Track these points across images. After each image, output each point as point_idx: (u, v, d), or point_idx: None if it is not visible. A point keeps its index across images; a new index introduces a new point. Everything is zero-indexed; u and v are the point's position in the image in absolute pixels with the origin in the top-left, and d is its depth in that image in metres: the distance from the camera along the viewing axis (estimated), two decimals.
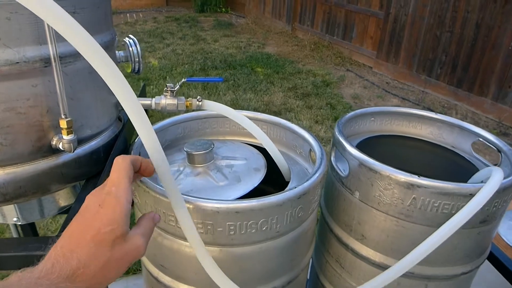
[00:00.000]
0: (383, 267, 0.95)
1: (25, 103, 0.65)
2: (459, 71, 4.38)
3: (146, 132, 0.55)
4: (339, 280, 1.08)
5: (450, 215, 0.84)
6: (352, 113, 1.20)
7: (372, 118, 1.26)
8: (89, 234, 0.45)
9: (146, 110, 1.15)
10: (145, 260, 0.89)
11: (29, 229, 1.40)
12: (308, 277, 1.36)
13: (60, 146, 0.70)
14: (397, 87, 4.95)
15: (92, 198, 0.49)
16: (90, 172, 0.81)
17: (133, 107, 0.52)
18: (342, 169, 1.01)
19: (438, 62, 4.61)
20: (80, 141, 0.75)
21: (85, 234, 0.46)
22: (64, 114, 0.67)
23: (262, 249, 0.77)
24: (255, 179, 0.89)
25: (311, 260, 1.28)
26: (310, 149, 1.00)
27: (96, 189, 0.51)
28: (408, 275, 0.92)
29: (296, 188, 0.76)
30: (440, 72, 4.61)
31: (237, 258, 0.77)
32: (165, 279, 0.84)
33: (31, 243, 0.64)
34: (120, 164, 0.52)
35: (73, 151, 0.69)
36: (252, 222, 0.72)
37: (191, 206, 0.70)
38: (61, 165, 0.74)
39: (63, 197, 0.90)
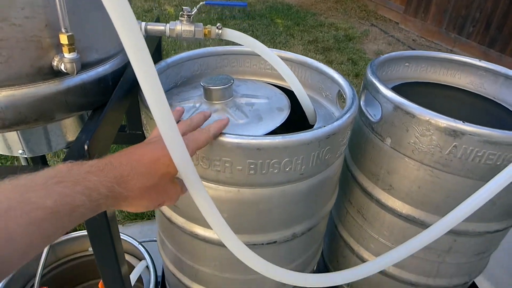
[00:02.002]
0: (410, 220, 0.88)
1: (20, 13, 0.56)
2: (493, 30, 4.07)
3: (144, 68, 0.45)
4: (359, 231, 1.02)
5: (494, 167, 0.75)
6: (386, 55, 1.08)
7: (407, 63, 1.15)
8: (149, 158, 0.49)
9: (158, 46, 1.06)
10: None
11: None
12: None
13: (62, 67, 0.62)
14: (423, 45, 4.67)
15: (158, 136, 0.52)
16: (97, 101, 0.74)
17: (130, 35, 0.42)
18: (373, 114, 0.91)
19: (471, 20, 4.29)
20: (85, 66, 0.68)
21: (146, 156, 0.50)
22: (64, 28, 0.58)
23: (284, 192, 0.71)
24: (278, 119, 0.80)
25: None
26: (339, 91, 0.90)
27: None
28: None
29: (326, 127, 0.67)
30: (472, 30, 4.31)
31: (256, 201, 0.71)
32: (178, 220, 0.79)
33: (25, 170, 0.59)
34: (207, 132, 0.58)
35: (76, 73, 0.62)
36: (275, 161, 0.65)
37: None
38: (65, 91, 0.67)
39: (71, 130, 0.84)
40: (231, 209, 0.72)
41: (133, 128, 0.92)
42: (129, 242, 1.32)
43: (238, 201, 0.70)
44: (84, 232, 1.37)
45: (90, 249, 1.40)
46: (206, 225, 0.77)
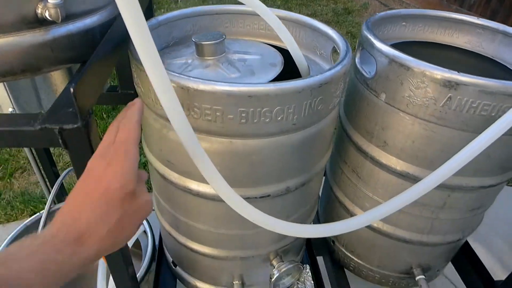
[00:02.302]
0: (404, 176, 0.88)
1: None
2: (494, 3, 3.99)
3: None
4: (354, 190, 1.03)
5: (488, 118, 0.74)
6: (382, 13, 1.06)
7: (404, 23, 1.12)
8: (97, 193, 0.43)
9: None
10: (151, 157, 0.84)
11: (44, 155, 1.38)
12: (320, 192, 1.33)
13: (47, 14, 0.60)
14: None
15: (97, 159, 0.47)
16: (84, 55, 0.72)
17: None
18: (368, 71, 0.90)
19: None
20: (72, 16, 0.66)
21: (93, 193, 0.43)
22: None
23: (276, 144, 0.70)
24: (271, 73, 0.79)
25: (325, 172, 1.23)
26: (333, 48, 0.89)
27: (98, 151, 0.49)
28: None
29: (318, 76, 0.66)
30: (473, 2, 4.22)
31: (248, 152, 0.70)
32: (173, 175, 0.79)
33: (20, 119, 0.58)
34: (129, 124, 0.50)
35: (61, 20, 0.60)
36: (266, 110, 0.64)
37: (198, 88, 0.62)
38: (51, 41, 0.65)
39: (61, 88, 0.83)
40: (224, 161, 0.71)
41: (125, 88, 0.90)
42: None
43: (230, 153, 0.70)
44: None
45: None
46: (200, 180, 0.77)
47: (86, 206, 0.43)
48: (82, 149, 0.54)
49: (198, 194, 0.78)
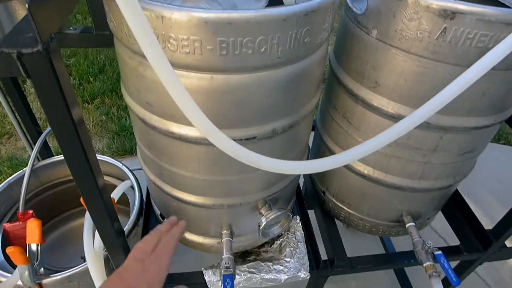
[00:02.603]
0: (396, 118, 0.85)
1: None
2: None
3: None
4: (345, 137, 1.00)
5: (485, 51, 0.70)
6: None
7: None
8: None
9: None
10: (129, 101, 0.79)
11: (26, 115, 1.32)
12: (311, 145, 1.30)
13: None
14: None
15: (135, 261, 0.62)
16: None
17: None
18: (359, 8, 0.85)
19: None
20: None
21: None
22: None
23: (261, 80, 0.66)
24: (255, 7, 0.74)
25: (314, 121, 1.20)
26: None
27: (135, 253, 0.64)
28: (423, 125, 0.83)
29: (303, 3, 0.61)
30: None
31: (232, 89, 0.66)
32: (153, 119, 0.75)
33: None
34: (171, 241, 0.68)
35: None
36: (248, 40, 0.59)
37: (173, 16, 0.56)
38: None
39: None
40: (206, 101, 0.67)
41: (100, 29, 0.84)
42: (113, 164, 1.30)
43: (212, 91, 0.66)
44: None
45: None
46: (181, 121, 0.73)
47: None
48: (45, 77, 0.49)
49: (180, 138, 0.74)
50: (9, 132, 2.51)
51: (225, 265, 0.91)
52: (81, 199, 1.01)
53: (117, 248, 0.90)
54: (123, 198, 1.28)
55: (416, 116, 0.71)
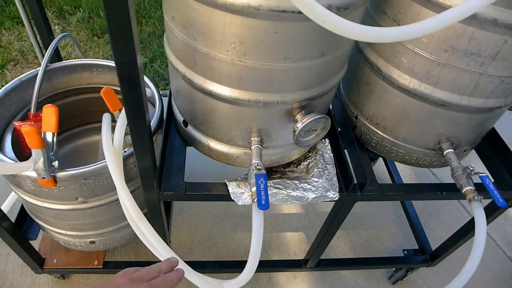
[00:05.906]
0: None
1: None
2: None
3: None
4: (391, 46, 0.91)
5: None
6: None
7: None
8: None
9: None
10: None
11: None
12: None
13: None
14: None
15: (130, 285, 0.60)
16: None
17: None
18: None
19: None
20: None
21: None
22: None
23: None
24: None
25: None
26: None
27: (137, 277, 0.61)
28: (489, 22, 0.74)
29: None
30: None
31: None
32: None
33: None
34: (164, 278, 0.65)
35: None
36: None
37: None
38: None
39: None
40: None
41: None
42: None
43: None
44: (81, 61, 1.25)
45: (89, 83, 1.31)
46: None
47: None
48: None
49: (225, 6, 0.66)
50: (15, 59, 2.41)
51: (257, 167, 0.85)
52: (103, 91, 0.94)
53: (145, 143, 0.83)
54: None
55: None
